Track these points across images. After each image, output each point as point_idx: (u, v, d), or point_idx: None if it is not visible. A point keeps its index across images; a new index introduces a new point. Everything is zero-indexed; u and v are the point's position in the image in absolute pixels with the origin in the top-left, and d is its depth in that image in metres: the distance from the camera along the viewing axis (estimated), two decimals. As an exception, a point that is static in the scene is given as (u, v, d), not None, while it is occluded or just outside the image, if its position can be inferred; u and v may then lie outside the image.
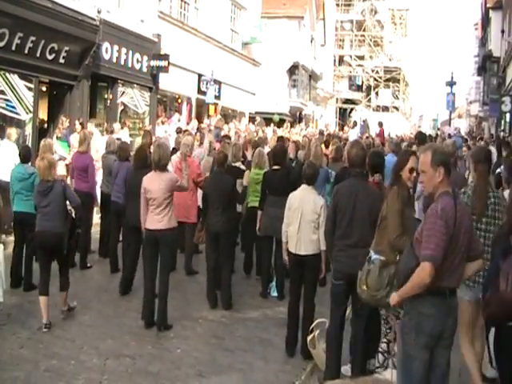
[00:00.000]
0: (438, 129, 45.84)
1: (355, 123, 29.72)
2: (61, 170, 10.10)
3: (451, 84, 36.70)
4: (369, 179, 6.60)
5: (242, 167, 10.58)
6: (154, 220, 7.59)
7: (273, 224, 8.61)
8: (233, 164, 10.23)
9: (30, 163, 9.16)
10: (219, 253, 8.63)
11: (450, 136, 26.92)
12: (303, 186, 7.05)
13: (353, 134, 24.42)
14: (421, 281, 4.22)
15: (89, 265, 10.11)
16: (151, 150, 8.73)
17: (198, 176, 10.02)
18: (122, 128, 15.82)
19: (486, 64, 35.94)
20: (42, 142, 10.33)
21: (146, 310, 7.64)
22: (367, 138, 22.26)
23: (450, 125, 39.89)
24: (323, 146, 13.04)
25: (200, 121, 22.72)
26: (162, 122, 19.01)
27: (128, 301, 8.47)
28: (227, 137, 14.36)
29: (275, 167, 9.29)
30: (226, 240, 8.64)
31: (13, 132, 11.53)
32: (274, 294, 9.12)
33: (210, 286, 8.64)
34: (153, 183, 7.56)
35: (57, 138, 11.77)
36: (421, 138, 11.70)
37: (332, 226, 6.09)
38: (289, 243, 6.95)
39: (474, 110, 55.05)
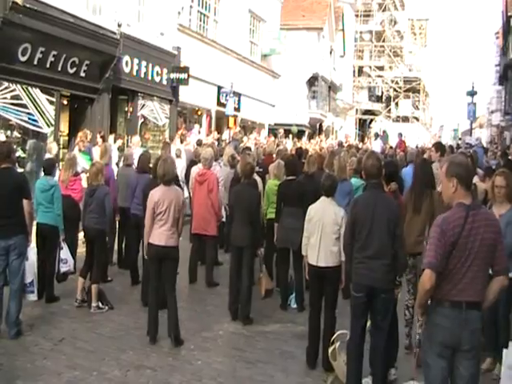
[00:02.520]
0: (460, 138, 45.55)
1: (377, 135, 29.63)
2: (83, 183, 10.18)
3: (472, 94, 36.42)
4: (384, 189, 6.62)
5: (257, 177, 10.61)
6: (163, 236, 7.40)
7: (288, 236, 8.60)
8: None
9: (53, 176, 9.26)
10: (242, 265, 8.53)
11: (470, 146, 26.74)
12: (322, 198, 7.04)
13: (375, 146, 24.31)
14: (422, 287, 4.38)
15: (109, 278, 10.13)
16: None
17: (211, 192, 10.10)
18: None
19: (508, 73, 35.73)
20: (67, 156, 10.50)
21: (152, 326, 7.53)
22: (391, 148, 22.28)
23: (470, 135, 39.62)
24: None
25: (219, 133, 22.81)
26: (182, 135, 18.90)
27: (149, 312, 8.50)
28: (248, 148, 14.39)
29: (290, 177, 9.28)
30: (249, 254, 8.48)
31: (53, 146, 11.69)
32: (294, 305, 9.09)
33: (231, 298, 8.57)
34: (164, 197, 7.41)
35: (79, 150, 11.89)
36: (442, 148, 11.74)
37: (351, 238, 6.07)
38: (309, 255, 6.94)
39: (496, 120, 54.78)
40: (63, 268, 8.85)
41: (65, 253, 8.89)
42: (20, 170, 13.22)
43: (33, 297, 8.07)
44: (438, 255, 4.30)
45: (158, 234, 7.43)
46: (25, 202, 7.48)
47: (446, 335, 4.35)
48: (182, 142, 17.09)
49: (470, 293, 4.34)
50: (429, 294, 4.37)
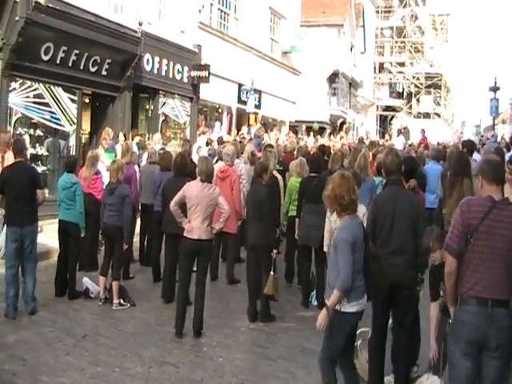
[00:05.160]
0: (482, 135, 45.10)
1: (399, 131, 29.42)
2: (106, 181, 10.25)
3: (495, 89, 36.07)
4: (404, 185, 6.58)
5: (278, 175, 10.59)
6: (196, 229, 7.54)
7: (309, 233, 8.54)
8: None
9: (75, 173, 9.35)
10: (258, 264, 8.42)
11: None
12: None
13: (398, 143, 24.14)
14: (445, 271, 4.50)
15: (131, 275, 10.19)
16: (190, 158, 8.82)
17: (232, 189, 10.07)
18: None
19: (531, 68, 35.23)
20: (90, 153, 10.59)
21: (179, 320, 7.61)
22: (410, 145, 22.11)
23: (493, 130, 39.21)
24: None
25: (239, 130, 22.78)
26: (203, 132, 19.11)
27: (171, 309, 8.46)
28: (270, 146, 14.38)
29: (312, 174, 9.27)
30: (263, 253, 8.32)
31: (102, 153, 11.82)
32: (315, 303, 9.07)
33: (250, 299, 8.42)
34: (197, 193, 7.52)
35: (104, 149, 12.02)
36: (469, 145, 11.95)
37: (372, 235, 6.04)
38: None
39: (519, 115, 54.17)
40: (91, 295, 9.03)
41: (90, 284, 9.11)
42: (42, 168, 13.42)
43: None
44: (455, 238, 4.38)
45: (192, 228, 7.55)
46: (39, 191, 8.19)
47: (471, 331, 4.32)
48: (207, 144, 16.86)
49: (496, 290, 4.31)
50: (452, 277, 4.42)
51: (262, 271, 8.37)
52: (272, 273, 8.10)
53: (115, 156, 12.98)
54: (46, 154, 14.02)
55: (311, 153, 12.75)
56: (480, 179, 4.56)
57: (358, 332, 6.54)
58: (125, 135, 14.19)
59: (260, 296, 8.34)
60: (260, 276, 8.35)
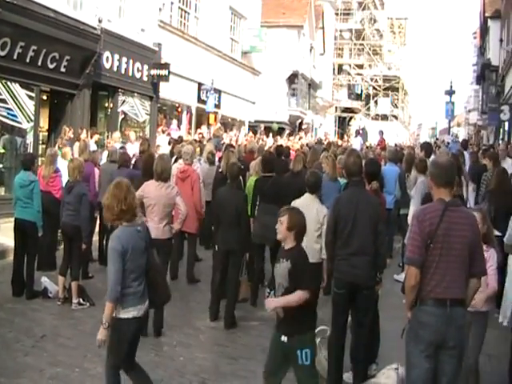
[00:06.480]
0: (437, 138, 45.92)
1: (357, 132, 29.75)
2: (64, 180, 10.13)
3: (450, 93, 36.83)
4: (366, 187, 6.67)
5: None
6: (153, 229, 7.41)
7: (264, 232, 8.54)
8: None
9: (32, 171, 9.21)
10: (227, 268, 8.28)
11: (448, 144, 26.98)
12: (306, 195, 7.09)
13: (355, 144, 24.42)
14: (407, 284, 4.48)
15: (90, 275, 10.11)
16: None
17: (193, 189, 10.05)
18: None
19: (485, 73, 36.05)
20: (48, 151, 10.45)
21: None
22: (367, 147, 22.37)
23: (449, 133, 39.98)
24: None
25: (199, 129, 22.76)
26: (163, 131, 19.05)
27: (130, 309, 8.48)
28: (231, 146, 14.35)
29: (266, 174, 9.30)
30: (237, 257, 8.23)
31: (68, 151, 11.63)
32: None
33: (213, 299, 8.37)
34: (155, 192, 7.55)
35: (59, 147, 11.85)
36: (427, 148, 12.15)
37: (333, 236, 6.10)
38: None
39: (473, 119, 55.21)
40: (50, 295, 8.90)
41: (48, 284, 8.98)
42: (-1, 165, 13.21)
43: None
44: (416, 249, 4.39)
45: (150, 228, 7.47)
46: None
47: (431, 333, 4.40)
48: (169, 143, 16.78)
49: (455, 290, 4.41)
50: (415, 290, 4.43)
51: (230, 276, 8.25)
52: (245, 276, 8.14)
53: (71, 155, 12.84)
54: (2, 151, 13.78)
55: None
56: (430, 181, 4.67)
57: (317, 330, 6.63)
58: (87, 131, 14.04)
59: (227, 303, 8.18)
60: (227, 280, 8.33)
